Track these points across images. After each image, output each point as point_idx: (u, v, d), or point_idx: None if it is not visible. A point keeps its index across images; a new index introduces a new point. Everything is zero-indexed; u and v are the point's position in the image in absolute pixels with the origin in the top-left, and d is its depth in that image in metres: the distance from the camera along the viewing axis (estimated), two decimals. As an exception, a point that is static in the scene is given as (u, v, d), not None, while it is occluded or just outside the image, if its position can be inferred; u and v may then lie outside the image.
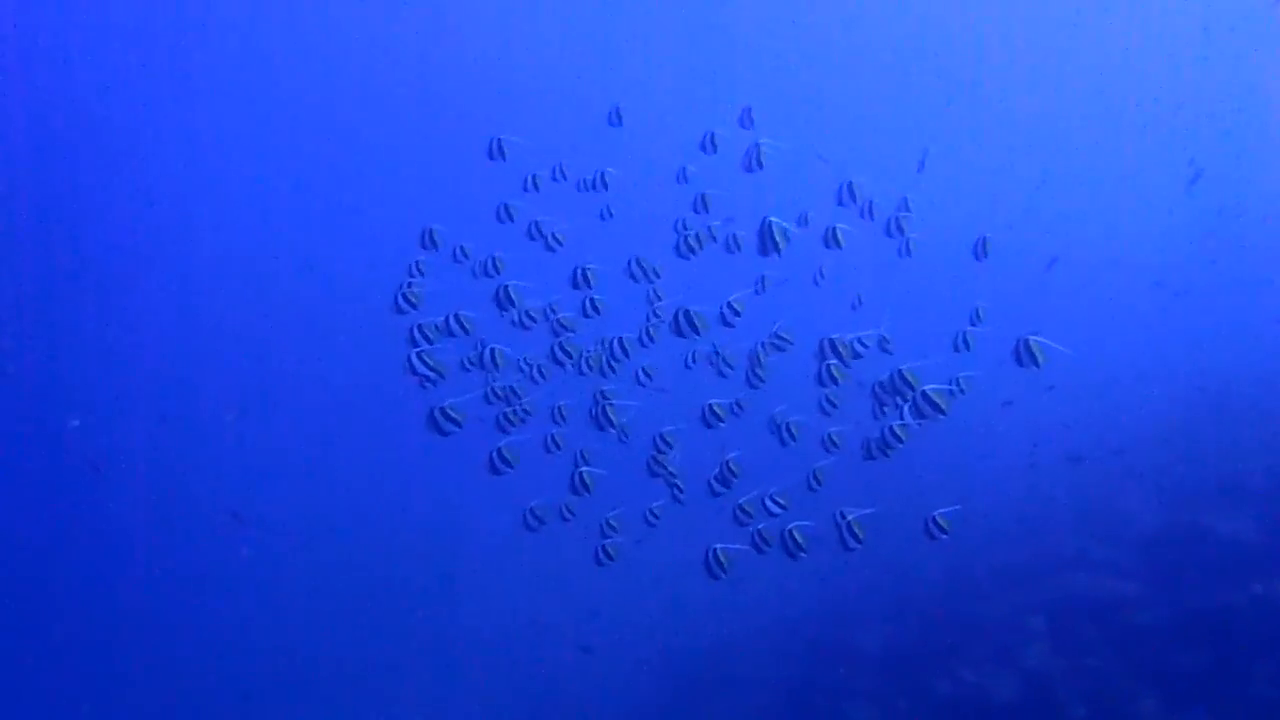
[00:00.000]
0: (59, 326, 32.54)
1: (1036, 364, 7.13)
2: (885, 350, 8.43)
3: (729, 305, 8.18)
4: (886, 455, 7.38)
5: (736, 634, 19.41)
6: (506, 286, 8.65)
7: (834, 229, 8.65)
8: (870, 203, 9.53)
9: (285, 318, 34.55)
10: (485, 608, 23.49)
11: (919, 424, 7.18)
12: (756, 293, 10.67)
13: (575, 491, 8.37)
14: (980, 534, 17.40)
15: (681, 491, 9.52)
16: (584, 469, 8.38)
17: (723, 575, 7.50)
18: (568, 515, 9.63)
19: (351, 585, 24.94)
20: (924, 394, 7.01)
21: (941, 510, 7.15)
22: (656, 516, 9.75)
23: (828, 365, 7.57)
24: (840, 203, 8.82)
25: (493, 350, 8.38)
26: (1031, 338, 7.07)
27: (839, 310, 11.41)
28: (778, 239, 7.21)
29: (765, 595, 19.33)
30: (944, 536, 7.02)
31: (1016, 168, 36.52)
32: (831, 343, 7.50)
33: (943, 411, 6.94)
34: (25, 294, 32.46)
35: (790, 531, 7.34)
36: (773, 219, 7.23)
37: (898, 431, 7.26)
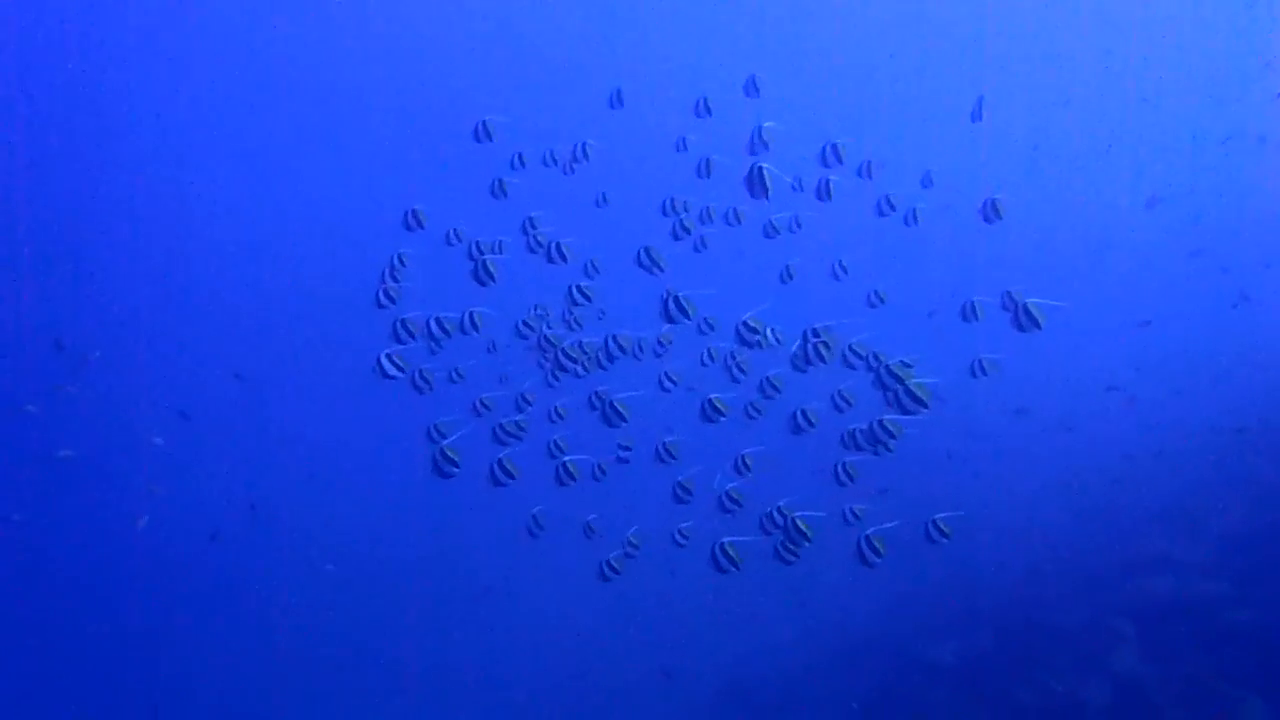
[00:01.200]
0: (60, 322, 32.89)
1: (1038, 326, 6.62)
2: (904, 367, 7.84)
3: (745, 324, 7.95)
4: (877, 451, 6.81)
5: (809, 650, 18.78)
6: (485, 261, 8.13)
7: (826, 180, 8.17)
8: (869, 163, 9.11)
9: (279, 321, 34.50)
10: (557, 629, 22.91)
11: (906, 418, 6.65)
12: (783, 281, 10.32)
13: (560, 482, 7.90)
14: (1057, 535, 16.61)
15: (736, 504, 9.06)
16: (567, 459, 7.91)
17: (733, 570, 7.21)
18: (590, 532, 9.70)
19: (391, 606, 24.58)
20: (907, 389, 6.46)
21: (943, 515, 6.64)
22: (686, 536, 9.49)
23: (813, 346, 6.99)
24: (825, 164, 8.30)
25: (472, 314, 7.88)
26: (1029, 300, 6.47)
27: (857, 306, 10.72)
28: (767, 183, 6.73)
29: (837, 610, 18.66)
30: (945, 540, 6.48)
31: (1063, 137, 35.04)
32: (814, 330, 6.97)
33: (925, 405, 6.38)
34: (24, 297, 33.12)
35: (794, 520, 6.92)
36: (763, 165, 6.76)
37: (889, 426, 6.69)
